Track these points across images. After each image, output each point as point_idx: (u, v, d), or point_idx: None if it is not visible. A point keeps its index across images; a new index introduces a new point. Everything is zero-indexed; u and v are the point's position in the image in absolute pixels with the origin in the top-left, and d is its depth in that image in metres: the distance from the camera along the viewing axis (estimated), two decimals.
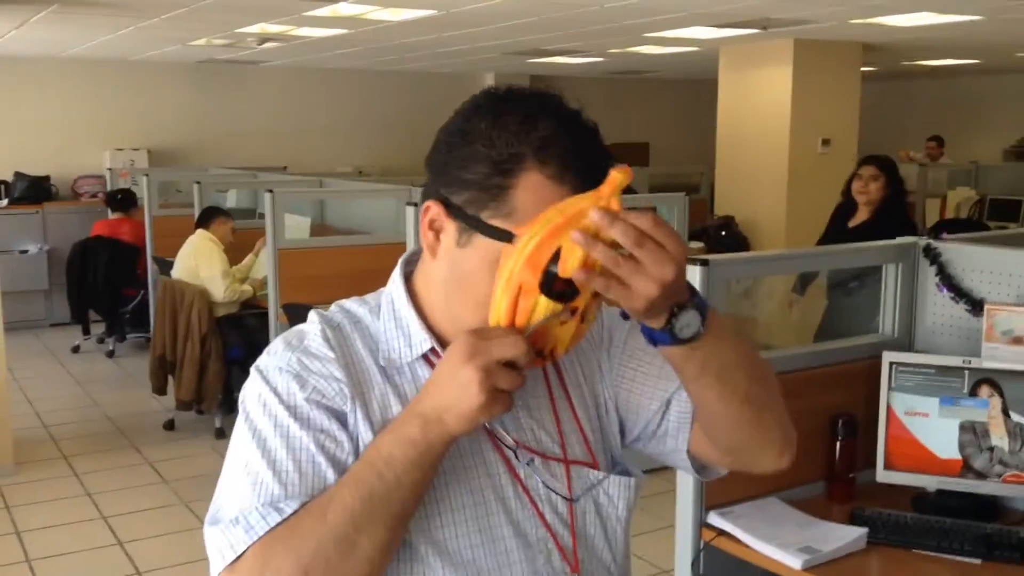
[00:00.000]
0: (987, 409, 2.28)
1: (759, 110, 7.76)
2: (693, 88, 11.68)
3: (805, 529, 2.18)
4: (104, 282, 7.38)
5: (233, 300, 5.52)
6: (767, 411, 1.12)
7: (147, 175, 7.11)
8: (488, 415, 0.95)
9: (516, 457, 1.08)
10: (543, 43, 7.60)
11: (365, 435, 1.03)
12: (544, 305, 0.97)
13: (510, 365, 0.96)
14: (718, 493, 2.24)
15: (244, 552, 0.94)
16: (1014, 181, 9.46)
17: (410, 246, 3.97)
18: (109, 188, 8.48)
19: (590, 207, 0.94)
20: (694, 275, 2.17)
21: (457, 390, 0.94)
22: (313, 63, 9.48)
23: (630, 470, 1.19)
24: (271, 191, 4.79)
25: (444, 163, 1.03)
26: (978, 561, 2.06)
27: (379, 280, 1.18)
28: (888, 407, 2.35)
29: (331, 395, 1.03)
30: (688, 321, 0.99)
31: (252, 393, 1.05)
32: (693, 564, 2.22)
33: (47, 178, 8.84)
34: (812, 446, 2.37)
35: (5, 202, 8.58)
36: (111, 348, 7.49)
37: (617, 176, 0.95)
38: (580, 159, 0.99)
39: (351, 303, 1.13)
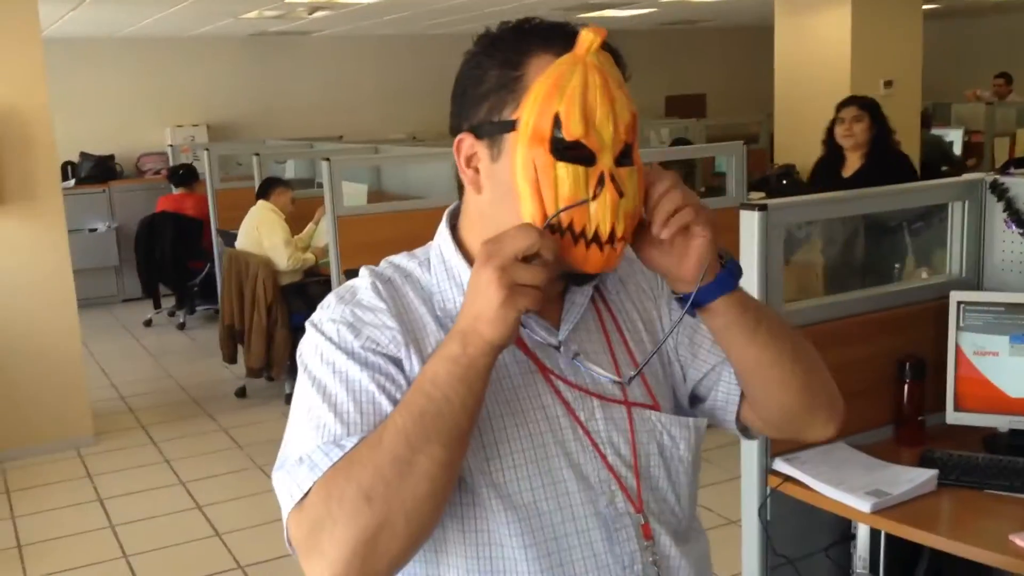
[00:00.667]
0: None
1: (817, 55, 7.56)
2: (749, 36, 11.43)
3: (873, 472, 2.15)
4: (171, 256, 7.56)
5: (296, 268, 5.62)
6: (814, 372, 1.16)
7: (207, 150, 7.22)
8: (514, 310, 0.93)
9: (561, 356, 1.09)
10: None
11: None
12: (564, 174, 0.98)
13: (534, 260, 0.95)
14: (784, 439, 2.23)
15: (309, 489, 0.96)
16: None
17: None
18: (171, 164, 8.64)
19: (570, 67, 0.98)
20: (752, 221, 2.15)
21: (481, 296, 0.94)
22: (363, 30, 9.49)
23: (694, 412, 1.19)
24: (328, 160, 4.83)
25: (461, 100, 1.06)
26: None
27: None
28: (957, 347, 2.30)
29: (385, 343, 1.04)
30: (737, 263, 1.06)
31: (309, 346, 1.07)
32: (760, 511, 2.22)
33: (111, 157, 9.05)
34: (880, 389, 2.34)
35: (72, 182, 8.81)
36: (182, 320, 7.68)
37: (587, 34, 0.99)
38: (573, 31, 1.02)
39: (400, 258, 1.14)
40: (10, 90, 4.81)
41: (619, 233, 1.01)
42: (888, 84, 7.42)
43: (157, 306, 7.87)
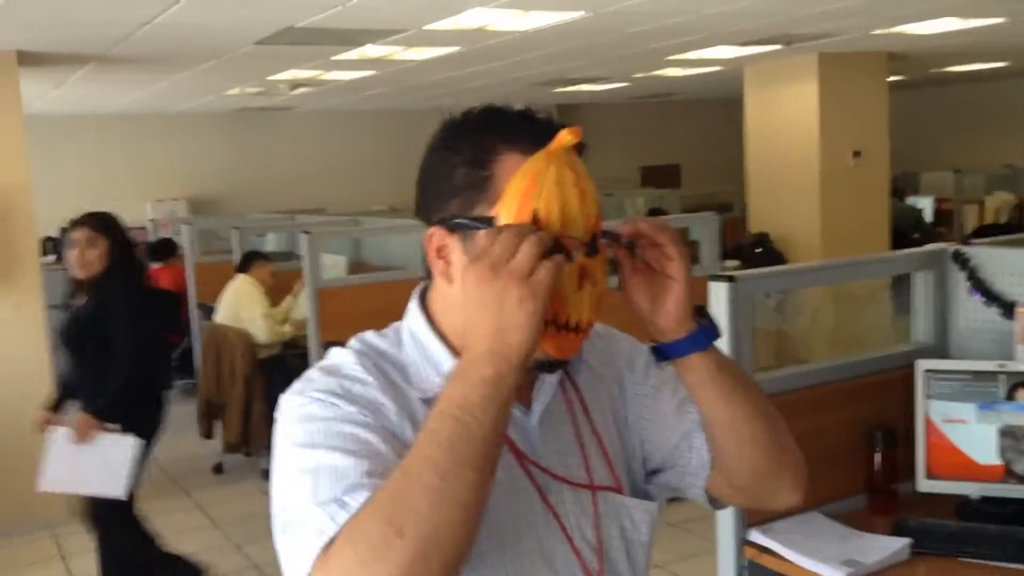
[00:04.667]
0: None
1: (787, 126, 7.75)
2: (722, 107, 11.69)
3: (848, 542, 2.16)
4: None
5: (275, 341, 5.62)
6: (783, 433, 1.18)
7: (187, 224, 7.26)
8: (538, 300, 0.93)
9: (541, 481, 1.08)
10: (567, 72, 7.68)
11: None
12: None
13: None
14: (759, 510, 2.24)
15: (333, 538, 0.90)
16: None
17: None
18: (150, 239, 8.67)
19: (544, 164, 1.01)
20: (720, 293, 2.19)
21: (494, 309, 0.93)
22: (344, 105, 9.65)
23: (652, 494, 1.20)
24: (307, 232, 4.88)
25: (429, 192, 1.08)
26: None
27: None
28: (925, 415, 2.34)
29: (380, 415, 1.02)
30: (713, 319, 1.10)
31: (294, 414, 1.02)
32: None
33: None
34: (852, 458, 2.36)
35: (53, 258, 8.80)
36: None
37: (564, 134, 1.02)
38: (544, 131, 1.03)
39: (371, 336, 1.13)
40: None
41: (591, 320, 1.04)
42: (857, 154, 7.60)
43: None
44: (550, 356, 1.04)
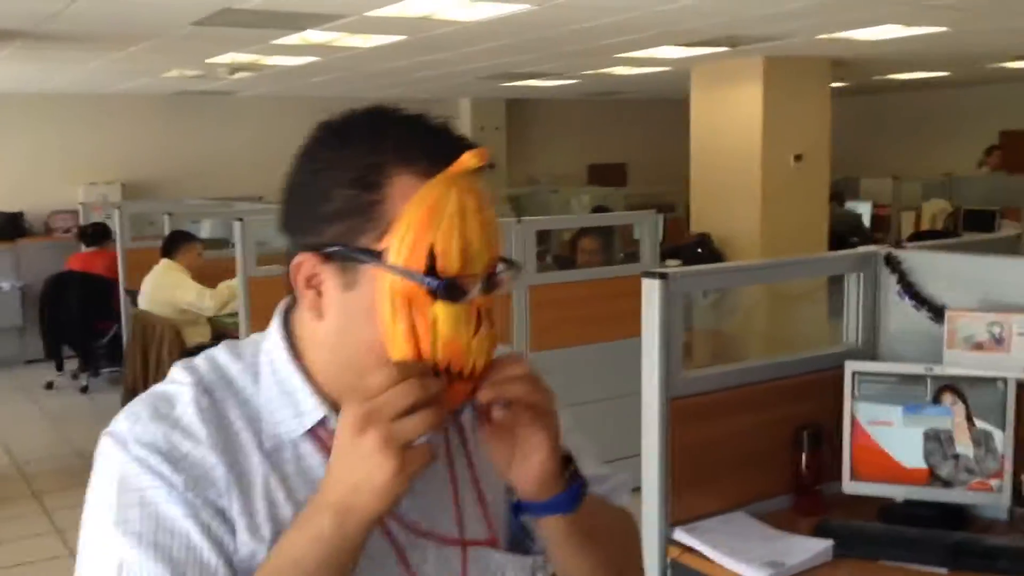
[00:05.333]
0: (951, 416, 2.26)
1: (731, 127, 7.80)
2: (669, 108, 11.74)
3: (771, 543, 2.15)
4: (77, 317, 7.31)
5: (224, 306, 5.51)
6: (632, 570, 1.13)
7: (119, 208, 7.07)
8: (407, 477, 0.83)
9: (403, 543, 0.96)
10: (515, 66, 7.62)
11: (244, 532, 0.89)
12: (444, 314, 0.88)
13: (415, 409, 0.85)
14: (684, 509, 2.22)
15: None
16: (988, 192, 9.54)
17: None
18: (82, 222, 8.43)
19: (444, 191, 0.88)
20: (653, 289, 2.16)
21: (362, 463, 0.82)
22: (288, 92, 9.48)
23: (532, 547, 1.06)
24: (241, 219, 4.76)
25: (300, 212, 0.93)
26: (945, 570, 2.03)
27: None
28: (852, 417, 2.33)
29: (205, 485, 0.88)
30: (583, 484, 0.97)
31: (111, 467, 0.89)
32: None
33: (20, 214, 8.79)
34: (778, 459, 2.35)
35: None
36: (85, 384, 7.40)
37: (468, 157, 0.89)
38: (444, 150, 0.90)
39: (224, 356, 0.97)
40: None
41: (480, 368, 0.92)
42: (798, 158, 7.67)
43: (60, 368, 7.57)
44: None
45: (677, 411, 2.20)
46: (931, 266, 2.44)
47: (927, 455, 2.28)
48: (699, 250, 7.55)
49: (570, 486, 0.96)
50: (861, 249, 2.53)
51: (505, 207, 9.68)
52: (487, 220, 0.91)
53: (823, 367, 2.43)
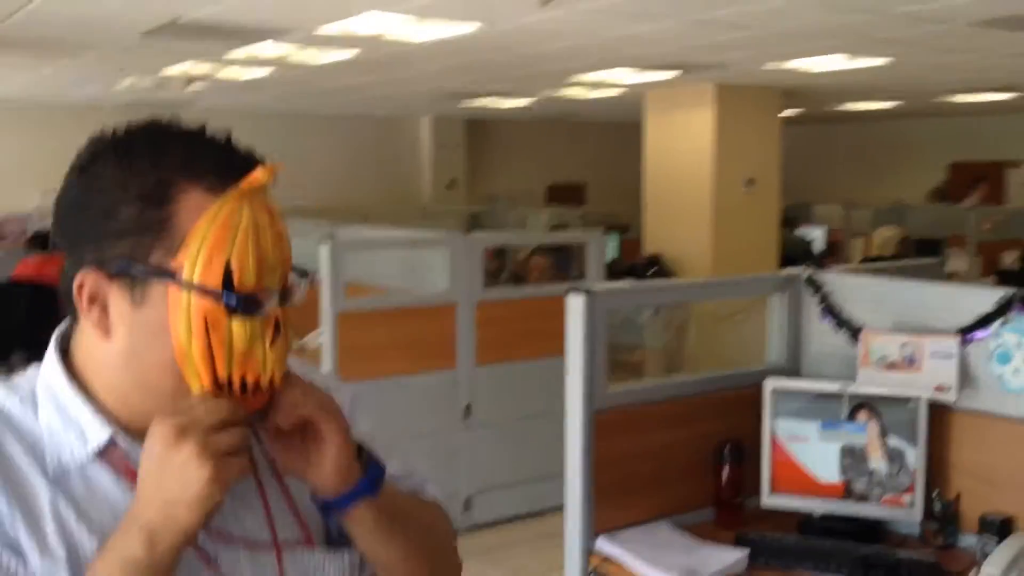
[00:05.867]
0: (865, 433, 2.34)
1: (684, 151, 7.94)
2: (627, 130, 11.90)
3: (690, 553, 2.21)
4: (26, 325, 7.19)
5: None
6: (441, 554, 1.13)
7: None
8: (222, 486, 0.83)
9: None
10: (470, 86, 7.70)
11: (35, 554, 0.86)
12: (239, 329, 0.89)
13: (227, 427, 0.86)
14: (607, 519, 2.27)
15: None
16: (936, 220, 9.76)
17: (324, 284, 3.98)
18: (37, 228, 8.32)
19: (236, 206, 0.89)
20: (577, 306, 2.21)
21: (177, 476, 0.82)
22: (247, 104, 9.47)
23: (350, 543, 1.06)
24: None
25: (82, 229, 0.90)
26: None
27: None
28: (772, 433, 2.40)
29: None
30: (375, 459, 1.00)
31: None
32: None
33: None
34: (703, 471, 2.41)
35: None
36: None
37: (259, 173, 0.90)
38: (232, 164, 0.91)
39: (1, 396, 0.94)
40: None
41: (277, 379, 0.93)
42: (750, 182, 7.82)
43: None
44: None
45: (601, 424, 2.25)
46: (851, 288, 2.52)
47: (843, 470, 2.36)
48: (651, 270, 7.67)
49: (367, 472, 0.98)
50: (784, 271, 2.61)
51: (464, 224, 9.76)
52: (280, 233, 0.92)
53: (746, 384, 2.50)
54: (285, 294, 0.94)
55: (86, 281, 0.89)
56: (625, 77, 7.05)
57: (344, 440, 0.95)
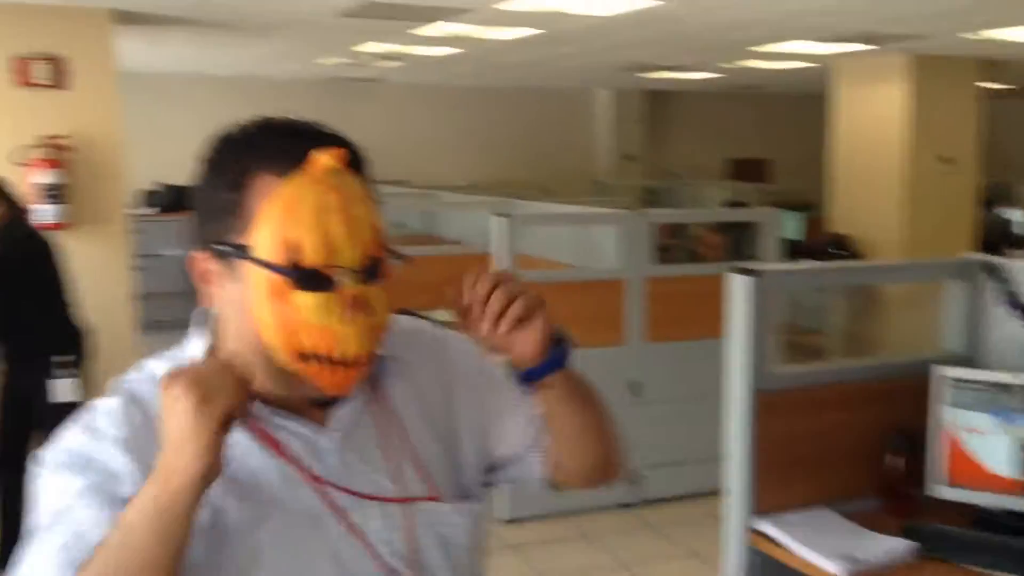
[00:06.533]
0: None
1: (875, 126, 7.59)
2: (814, 103, 11.46)
3: (853, 539, 2.19)
4: None
5: None
6: (612, 424, 1.24)
7: None
8: (211, 419, 0.88)
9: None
10: (650, 59, 7.66)
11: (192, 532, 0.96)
12: (308, 303, 0.95)
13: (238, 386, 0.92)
14: (769, 500, 2.28)
15: None
16: None
17: (496, 255, 4.13)
18: None
19: (302, 189, 0.96)
20: (740, 287, 2.23)
21: (175, 420, 0.88)
22: (432, 81, 9.80)
23: (477, 496, 1.18)
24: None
25: (195, 215, 1.03)
26: None
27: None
28: (944, 422, 2.34)
29: (111, 483, 0.97)
30: (569, 340, 1.11)
31: (41, 473, 1.00)
32: (741, 568, 2.27)
33: (185, 188, 9.43)
34: (868, 459, 2.38)
35: (155, 210, 9.22)
36: None
37: (320, 157, 0.97)
38: (302, 150, 0.98)
39: (154, 363, 1.08)
40: (87, 121, 5.13)
41: (364, 354, 0.99)
42: (945, 160, 7.40)
43: None
44: (323, 393, 1.01)
45: (764, 404, 2.26)
46: None
47: (1020, 464, 2.27)
48: (836, 251, 7.41)
49: (558, 347, 1.10)
50: (962, 256, 2.51)
51: (640, 199, 9.74)
52: (355, 215, 0.97)
53: (920, 372, 2.44)
54: (371, 272, 0.99)
55: (195, 259, 1.01)
56: (809, 48, 6.82)
57: (547, 321, 1.07)
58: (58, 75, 5.07)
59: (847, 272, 2.46)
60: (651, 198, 10.18)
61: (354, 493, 1.05)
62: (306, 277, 0.95)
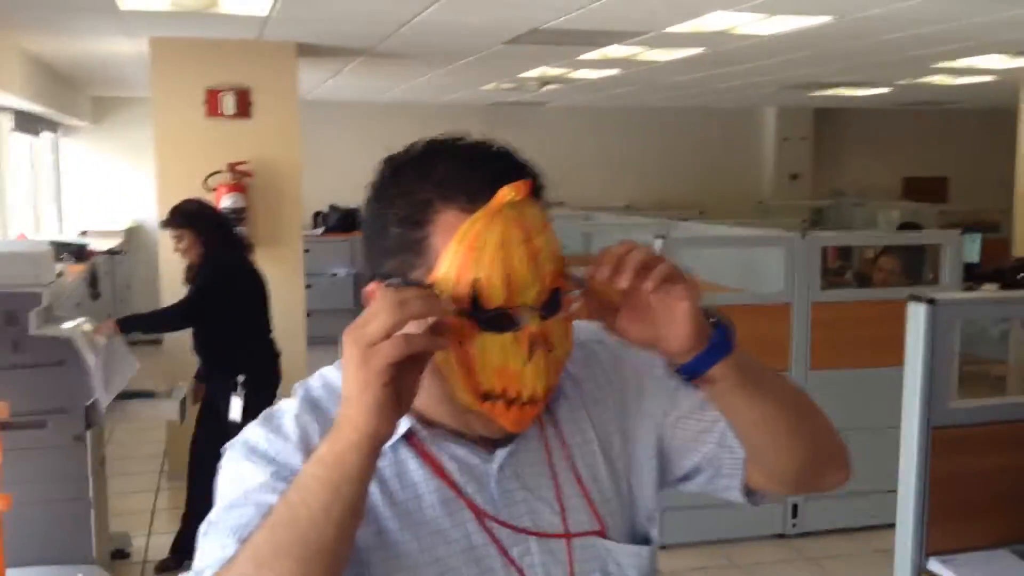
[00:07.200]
0: None
1: None
2: (998, 118, 10.80)
3: None
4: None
5: None
6: (818, 416, 1.09)
7: None
8: (374, 372, 0.83)
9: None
10: (821, 76, 7.43)
11: None
12: (491, 344, 0.92)
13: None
14: (941, 540, 2.17)
15: None
16: None
17: None
18: None
19: (485, 224, 0.91)
20: (919, 315, 2.14)
21: (345, 371, 0.85)
22: (592, 102, 9.86)
23: (648, 535, 1.10)
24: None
25: (370, 245, 0.99)
26: None
27: None
28: None
29: (290, 477, 0.95)
30: (723, 317, 0.98)
31: (223, 469, 1.01)
32: None
33: (356, 210, 9.88)
34: None
35: (320, 231, 9.68)
36: None
37: (504, 192, 0.91)
38: (486, 183, 0.93)
39: (333, 372, 1.05)
40: (269, 146, 5.47)
41: (542, 393, 0.95)
42: None
43: None
44: (503, 430, 0.97)
45: (940, 440, 2.16)
46: None
47: None
48: (1021, 275, 6.93)
49: (716, 329, 0.97)
50: None
51: (806, 220, 9.44)
52: (536, 249, 0.92)
53: None
54: (551, 307, 0.94)
55: (373, 292, 0.96)
56: (998, 63, 6.44)
57: (696, 299, 0.94)
58: (243, 104, 5.43)
59: None
60: (818, 219, 9.84)
61: (513, 527, 1.01)
62: (490, 319, 0.91)
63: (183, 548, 4.06)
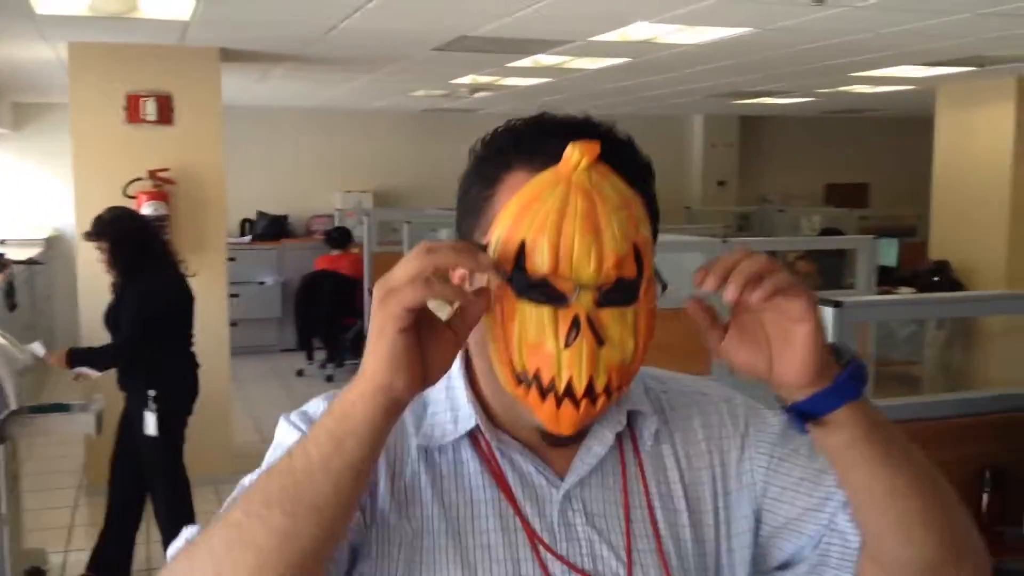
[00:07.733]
0: None
1: (980, 151, 7.34)
2: (917, 126, 11.15)
3: None
4: (327, 312, 8.08)
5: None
6: (957, 507, 0.89)
7: (367, 215, 7.73)
8: (388, 317, 0.76)
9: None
10: (744, 85, 7.59)
11: (385, 513, 0.90)
12: (528, 315, 0.82)
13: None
14: None
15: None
16: None
17: None
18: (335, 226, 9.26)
19: (549, 187, 0.82)
20: (826, 317, 2.20)
21: (372, 324, 0.79)
22: (524, 109, 9.86)
23: None
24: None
25: (457, 210, 0.94)
26: None
27: None
28: None
29: None
30: (857, 357, 0.83)
31: (276, 431, 0.97)
32: None
33: (285, 217, 9.78)
34: (965, 498, 2.29)
35: (248, 238, 9.55)
36: (331, 373, 8.12)
37: (572, 151, 0.82)
38: (561, 141, 0.84)
39: None
40: (191, 153, 5.38)
41: (599, 387, 0.82)
42: None
43: (310, 358, 8.38)
44: (545, 428, 0.86)
45: None
46: None
47: None
48: (936, 278, 7.17)
49: (845, 366, 0.81)
50: None
51: (732, 225, 9.62)
52: (597, 223, 0.81)
53: (1017, 406, 2.36)
54: (615, 295, 0.83)
55: None
56: (914, 72, 6.65)
57: (818, 320, 0.79)
58: (165, 111, 5.33)
59: (939, 304, 2.40)
60: (744, 224, 10.04)
61: (571, 565, 0.90)
62: (528, 285, 0.81)
63: (101, 564, 3.97)
